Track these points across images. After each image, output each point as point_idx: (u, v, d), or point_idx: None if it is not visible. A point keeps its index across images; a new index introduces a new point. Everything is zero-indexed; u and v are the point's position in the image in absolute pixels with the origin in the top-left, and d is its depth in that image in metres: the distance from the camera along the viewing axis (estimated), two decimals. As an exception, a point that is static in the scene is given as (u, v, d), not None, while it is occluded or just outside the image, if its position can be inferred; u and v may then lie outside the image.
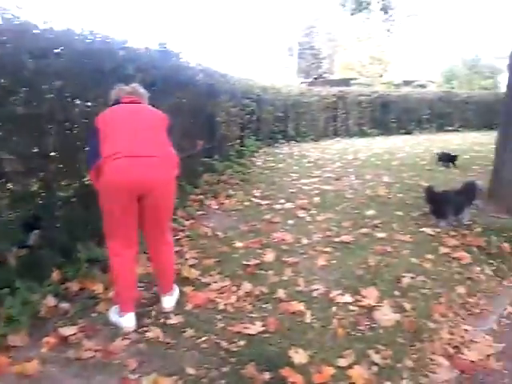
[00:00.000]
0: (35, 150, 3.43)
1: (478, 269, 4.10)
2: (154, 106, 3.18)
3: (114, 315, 3.02)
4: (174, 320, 3.04)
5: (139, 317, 3.01)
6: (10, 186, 3.36)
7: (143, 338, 2.84)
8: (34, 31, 3.32)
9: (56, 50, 3.43)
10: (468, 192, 5.23)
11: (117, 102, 3.05)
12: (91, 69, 3.60)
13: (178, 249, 4.06)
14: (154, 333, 2.88)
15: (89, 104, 3.81)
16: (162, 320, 3.05)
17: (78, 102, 3.75)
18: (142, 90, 3.19)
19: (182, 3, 70.08)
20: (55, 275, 3.30)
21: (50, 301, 3.11)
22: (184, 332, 2.91)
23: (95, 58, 3.62)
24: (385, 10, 12.17)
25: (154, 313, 3.13)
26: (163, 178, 2.83)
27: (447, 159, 9.24)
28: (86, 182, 3.76)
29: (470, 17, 79.34)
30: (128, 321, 2.94)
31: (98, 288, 3.37)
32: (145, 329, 2.94)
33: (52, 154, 3.58)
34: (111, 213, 2.81)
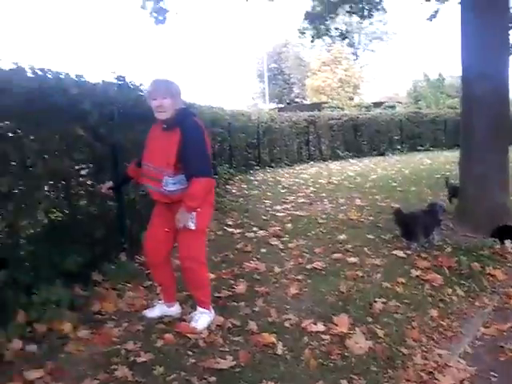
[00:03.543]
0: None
1: (450, 290, 4.12)
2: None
3: (207, 316, 3.38)
4: (143, 358, 2.95)
5: (107, 357, 2.94)
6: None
7: (112, 378, 2.76)
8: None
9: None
10: (433, 212, 5.27)
11: (192, 113, 3.30)
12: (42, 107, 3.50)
13: (146, 284, 4.01)
14: (122, 372, 2.79)
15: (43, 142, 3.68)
16: (131, 358, 2.96)
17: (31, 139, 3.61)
18: None
19: (144, 32, 71.14)
20: (20, 317, 3.20)
21: (16, 343, 3.00)
22: (154, 370, 2.83)
23: (46, 96, 3.50)
24: (343, 36, 12.50)
25: (123, 351, 3.04)
26: None
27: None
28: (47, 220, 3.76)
29: (432, 37, 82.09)
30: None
31: (66, 327, 3.26)
32: (114, 367, 2.85)
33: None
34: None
